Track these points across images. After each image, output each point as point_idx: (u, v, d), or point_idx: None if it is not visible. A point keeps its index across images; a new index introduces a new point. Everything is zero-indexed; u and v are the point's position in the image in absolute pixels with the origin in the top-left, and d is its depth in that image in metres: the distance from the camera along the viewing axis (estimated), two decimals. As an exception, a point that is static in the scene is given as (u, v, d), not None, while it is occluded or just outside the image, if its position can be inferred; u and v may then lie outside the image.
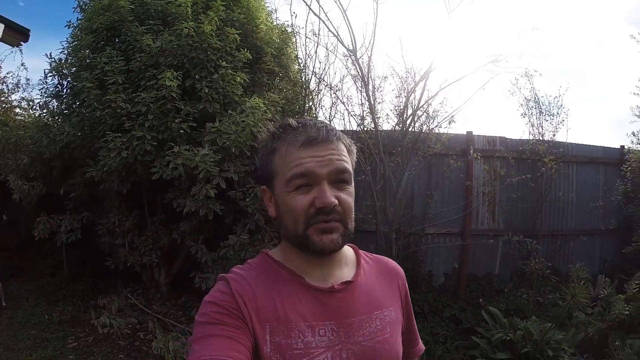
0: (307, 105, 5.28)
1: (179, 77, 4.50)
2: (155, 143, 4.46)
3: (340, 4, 4.64)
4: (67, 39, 5.56)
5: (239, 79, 4.69)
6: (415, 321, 1.25)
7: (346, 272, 1.08)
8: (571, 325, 4.07)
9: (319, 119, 5.33)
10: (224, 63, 4.64)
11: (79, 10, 5.66)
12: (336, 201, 0.95)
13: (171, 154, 4.30)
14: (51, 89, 5.50)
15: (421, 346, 1.27)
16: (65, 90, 5.50)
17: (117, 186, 4.78)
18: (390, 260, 1.24)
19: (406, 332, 1.19)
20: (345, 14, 4.65)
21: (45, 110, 5.49)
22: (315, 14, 4.77)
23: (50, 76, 5.42)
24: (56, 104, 5.52)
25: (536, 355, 3.57)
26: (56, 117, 5.38)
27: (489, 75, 6.23)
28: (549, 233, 6.46)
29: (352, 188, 1.02)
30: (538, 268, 4.59)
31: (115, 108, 4.49)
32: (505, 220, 6.33)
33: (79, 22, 5.48)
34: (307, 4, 4.79)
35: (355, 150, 1.07)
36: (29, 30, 5.68)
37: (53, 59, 5.36)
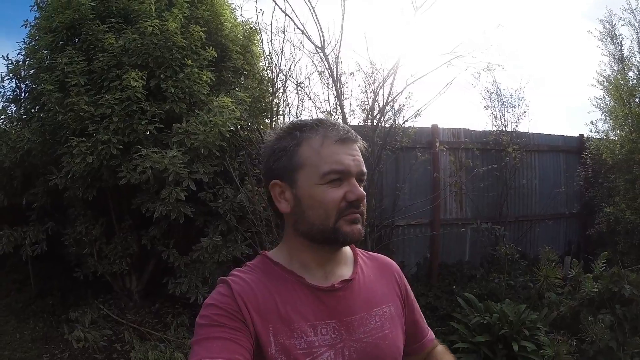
0: (275, 102, 5.25)
1: (144, 77, 4.38)
2: (121, 147, 4.32)
3: (309, 1, 4.66)
4: (23, 39, 5.28)
5: (205, 77, 4.62)
6: (421, 312, 1.27)
7: (345, 271, 1.10)
8: (543, 305, 4.21)
9: (285, 116, 5.36)
10: (190, 62, 4.55)
11: (36, 9, 5.37)
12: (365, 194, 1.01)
13: (138, 157, 4.19)
14: (9, 94, 5.22)
15: (431, 335, 1.28)
16: (23, 94, 5.23)
17: (83, 193, 4.61)
18: (384, 256, 1.26)
19: (412, 325, 1.21)
20: (314, 10, 4.67)
21: (2, 117, 5.19)
22: (281, 9, 4.77)
23: (8, 79, 5.14)
24: (14, 109, 5.25)
25: (513, 336, 3.67)
26: (15, 123, 5.11)
27: (454, 70, 6.40)
28: (515, 219, 6.70)
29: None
30: (508, 253, 4.71)
31: (77, 111, 4.31)
32: (473, 209, 6.52)
33: (37, 21, 5.20)
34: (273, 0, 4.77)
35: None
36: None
37: (10, 61, 5.09)
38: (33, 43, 5.11)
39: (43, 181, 4.78)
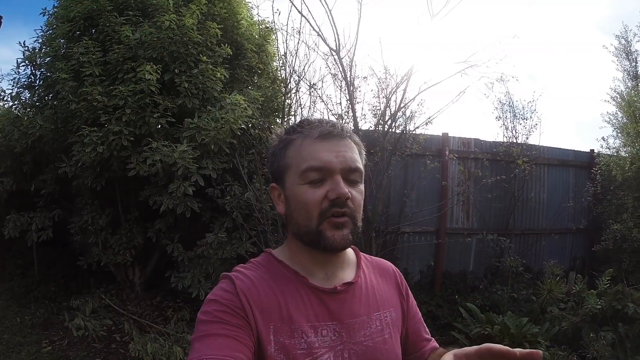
0: (287, 102, 5.25)
1: (158, 71, 4.39)
2: (132, 138, 4.34)
3: (326, 3, 4.65)
4: (41, 27, 5.34)
5: (219, 74, 4.62)
6: (423, 321, 1.24)
7: (348, 273, 1.09)
8: (545, 319, 4.19)
9: (297, 117, 5.36)
10: (205, 58, 4.56)
11: None
12: (349, 194, 0.96)
13: (149, 149, 4.20)
14: (23, 80, 5.26)
15: (433, 344, 1.23)
16: (38, 82, 5.27)
17: (91, 183, 4.65)
18: (387, 262, 1.25)
19: (413, 332, 1.19)
20: (330, 13, 4.66)
21: (17, 102, 5.23)
22: (298, 10, 4.76)
23: (23, 66, 5.19)
24: (28, 95, 5.29)
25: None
26: (28, 110, 5.15)
27: (467, 79, 6.39)
28: (521, 232, 6.66)
29: (362, 187, 1.03)
30: (513, 265, 4.69)
31: (91, 101, 4.33)
32: (479, 219, 6.50)
33: (55, 9, 5.26)
34: (290, 0, 4.78)
35: (364, 152, 1.08)
36: (0, 16, 5.46)
37: (26, 48, 5.14)
38: (50, 31, 5.18)
39: (52, 168, 4.82)
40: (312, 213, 0.96)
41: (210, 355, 0.83)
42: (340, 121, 1.04)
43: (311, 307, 0.98)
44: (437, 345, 1.25)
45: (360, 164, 1.01)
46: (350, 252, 1.13)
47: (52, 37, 5.06)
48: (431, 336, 1.25)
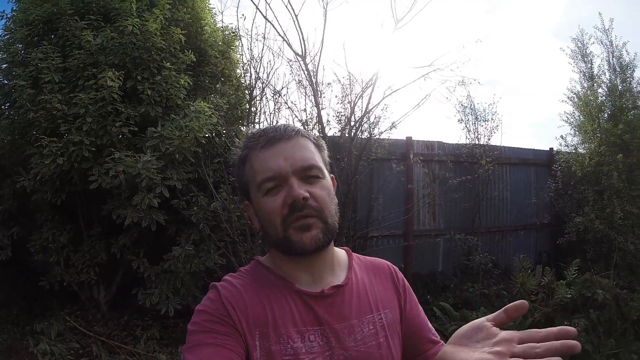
0: (252, 110, 5.22)
1: (121, 78, 4.27)
2: (93, 149, 4.20)
3: (292, 8, 4.68)
4: (-2, 31, 5.12)
5: (182, 81, 4.55)
6: (426, 318, 1.17)
7: (338, 276, 1.06)
8: (517, 311, 4.25)
9: (261, 124, 5.32)
10: (168, 64, 4.48)
11: (14, 0, 5.20)
12: (306, 194, 0.93)
13: (111, 160, 4.06)
14: (-21, 88, 5.02)
15: (440, 346, 1.12)
16: (-6, 90, 5.06)
17: (51, 197, 4.46)
18: (381, 260, 1.21)
19: (417, 331, 1.13)
20: (296, 18, 4.69)
21: (-29, 113, 4.96)
22: (263, 15, 4.79)
23: (-21, 73, 4.96)
24: (-17, 105, 5.05)
25: (491, 342, 3.69)
26: (-17, 121, 4.93)
27: (430, 84, 6.53)
28: (487, 230, 6.83)
29: (326, 182, 1.00)
30: (482, 262, 4.77)
31: (50, 110, 4.17)
32: (446, 220, 6.62)
33: (13, 13, 5.05)
34: (255, 4, 4.78)
35: (324, 145, 1.07)
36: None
37: (-18, 54, 4.92)
38: (7, 36, 4.97)
39: (10, 183, 4.61)
40: (275, 222, 0.95)
41: None
42: (294, 125, 1.01)
43: (297, 312, 0.96)
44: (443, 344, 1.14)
45: (315, 160, 0.99)
46: (341, 253, 1.12)
47: (10, 42, 4.87)
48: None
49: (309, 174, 0.97)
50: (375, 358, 0.99)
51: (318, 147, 1.04)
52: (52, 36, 4.82)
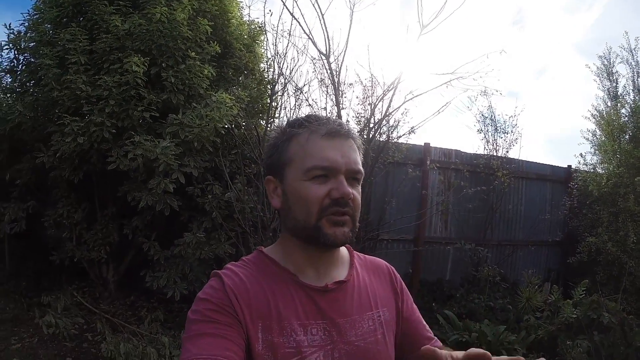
0: (273, 104, 5.23)
1: (145, 64, 4.33)
2: (114, 131, 4.26)
3: (318, 7, 4.67)
4: (28, 11, 5.17)
5: (206, 71, 4.59)
6: (422, 319, 1.21)
7: (340, 272, 1.07)
8: (521, 327, 4.24)
9: (281, 119, 5.34)
10: (193, 54, 4.53)
11: None
12: (352, 194, 0.96)
13: (130, 143, 4.12)
14: (5, 64, 5.12)
15: (437, 344, 1.18)
16: (20, 66, 5.14)
17: (69, 175, 4.54)
18: (381, 260, 1.24)
19: (413, 330, 1.16)
20: (322, 16, 4.68)
21: (-4, 85, 5.09)
22: (289, 12, 4.75)
23: (7, 49, 5.04)
24: (10, 79, 5.16)
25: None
26: (8, 95, 5.03)
27: (452, 91, 6.49)
28: (498, 242, 6.77)
29: (360, 188, 1.02)
30: (490, 274, 4.74)
31: (74, 90, 4.23)
32: (457, 229, 6.57)
33: None
34: (282, 1, 4.77)
35: (362, 154, 1.08)
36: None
37: (12, 31, 4.99)
38: (37, 16, 5.05)
39: (29, 158, 4.68)
40: (312, 209, 0.95)
41: (199, 355, 0.83)
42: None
43: (301, 305, 0.97)
44: (441, 344, 1.21)
45: (361, 166, 1.01)
46: (343, 250, 1.13)
47: (39, 22, 4.94)
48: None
49: (354, 177, 0.99)
50: (373, 353, 1.01)
51: (360, 152, 1.05)
52: (81, 19, 4.89)
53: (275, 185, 1.03)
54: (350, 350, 0.97)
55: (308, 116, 1.04)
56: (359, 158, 1.01)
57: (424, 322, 1.21)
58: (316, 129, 0.99)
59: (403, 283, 1.21)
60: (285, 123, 1.07)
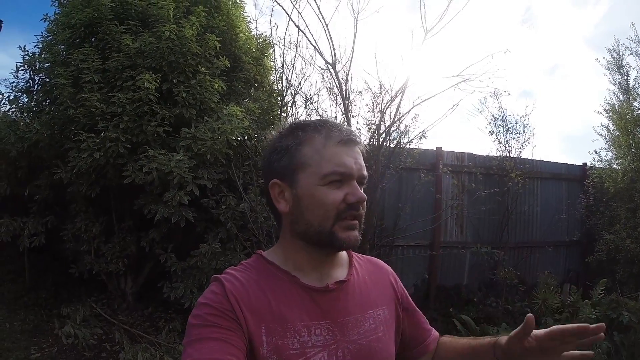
0: (283, 115, 5.27)
1: (157, 80, 4.42)
2: (129, 146, 4.35)
3: (323, 18, 4.71)
4: (41, 32, 5.34)
5: (216, 86, 4.67)
6: (422, 313, 1.25)
7: (340, 272, 1.09)
8: (539, 330, 4.18)
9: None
10: (203, 69, 4.61)
11: (57, 4, 5.46)
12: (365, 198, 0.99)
13: (145, 157, 4.20)
14: (22, 84, 5.26)
15: (435, 334, 1.25)
16: (36, 86, 5.28)
17: (86, 190, 4.62)
18: (379, 260, 1.26)
19: (413, 327, 1.20)
20: (327, 27, 4.72)
21: (14, 106, 5.21)
22: (295, 24, 4.81)
23: (22, 70, 5.19)
24: (26, 99, 5.28)
25: (509, 360, 3.64)
26: (25, 114, 5.14)
27: (461, 94, 6.47)
28: (514, 245, 6.68)
29: None
30: (507, 277, 4.70)
31: (89, 107, 4.35)
32: (473, 232, 6.52)
33: (56, 16, 5.28)
34: (287, 14, 4.83)
35: None
36: (1, 21, 5.45)
37: (26, 52, 5.14)
38: (50, 37, 5.19)
39: (47, 174, 4.79)
40: (330, 213, 0.96)
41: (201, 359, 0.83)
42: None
43: (303, 306, 0.98)
44: (438, 334, 1.26)
45: (366, 172, 1.04)
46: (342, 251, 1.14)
47: (52, 43, 5.09)
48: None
49: (361, 181, 1.01)
50: (376, 351, 1.03)
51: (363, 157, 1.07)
52: (93, 39, 5.02)
53: (281, 189, 1.02)
54: (353, 349, 0.99)
55: (322, 120, 1.04)
56: (364, 164, 1.03)
57: (423, 316, 1.25)
58: (332, 135, 1.00)
59: (400, 281, 1.23)
60: (289, 126, 1.06)
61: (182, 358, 0.87)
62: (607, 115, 6.92)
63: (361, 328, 1.02)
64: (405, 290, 1.23)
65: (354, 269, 1.12)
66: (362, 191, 0.99)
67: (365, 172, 1.01)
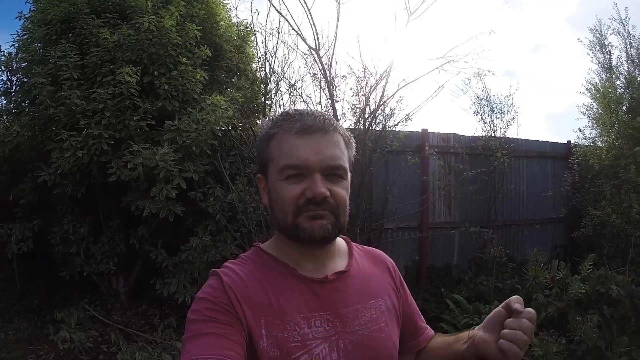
0: (268, 103, 5.25)
1: (138, 73, 4.35)
2: (112, 142, 4.29)
3: (305, 2, 4.68)
4: (17, 31, 5.23)
5: (198, 76, 4.62)
6: (417, 308, 1.25)
7: (339, 263, 1.08)
8: (531, 306, 4.23)
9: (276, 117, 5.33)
10: (184, 59, 4.55)
11: (31, 1, 5.34)
12: (327, 193, 0.94)
13: (129, 153, 4.15)
14: (-1, 86, 5.17)
15: (430, 332, 1.25)
16: (14, 87, 5.20)
17: (71, 190, 4.56)
18: (379, 250, 1.25)
19: (409, 320, 1.20)
20: (309, 12, 4.70)
21: (-8, 109, 5.13)
22: (277, 10, 4.78)
23: (-1, 72, 5.10)
24: (4, 102, 5.22)
25: (502, 336, 3.69)
26: (4, 117, 5.06)
27: (445, 75, 6.50)
28: (502, 223, 6.76)
29: (347, 182, 1.00)
30: (497, 255, 4.74)
31: (69, 105, 4.27)
32: (461, 212, 6.57)
33: (31, 13, 5.17)
34: (269, 0, 4.79)
35: (354, 144, 1.06)
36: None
37: (2, 53, 5.08)
38: (26, 36, 5.08)
39: (31, 177, 4.72)
40: (288, 208, 0.95)
41: (200, 355, 0.82)
42: (332, 117, 0.99)
43: (302, 298, 0.97)
44: (433, 332, 1.25)
45: (343, 160, 0.99)
46: (341, 242, 1.13)
47: (29, 42, 4.98)
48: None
49: (334, 173, 0.97)
50: (377, 341, 1.02)
51: (348, 145, 1.03)
52: (70, 35, 4.92)
53: (264, 184, 1.04)
54: (354, 340, 0.98)
55: (282, 114, 1.03)
56: (339, 152, 0.98)
57: (419, 312, 1.25)
58: (289, 127, 0.97)
59: (400, 274, 1.23)
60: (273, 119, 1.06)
61: (181, 354, 0.86)
62: (589, 94, 7.02)
63: (362, 319, 1.02)
64: (404, 282, 1.22)
65: (353, 259, 1.11)
66: (321, 186, 0.93)
67: (336, 162, 0.96)
